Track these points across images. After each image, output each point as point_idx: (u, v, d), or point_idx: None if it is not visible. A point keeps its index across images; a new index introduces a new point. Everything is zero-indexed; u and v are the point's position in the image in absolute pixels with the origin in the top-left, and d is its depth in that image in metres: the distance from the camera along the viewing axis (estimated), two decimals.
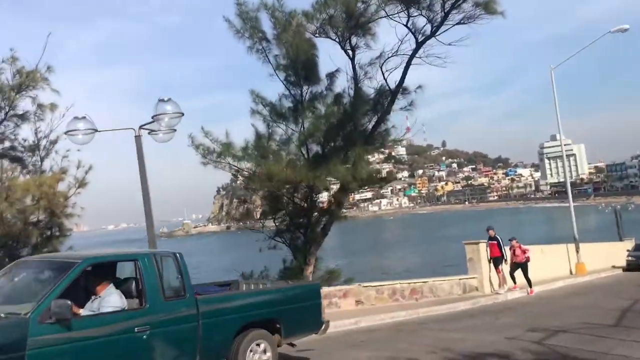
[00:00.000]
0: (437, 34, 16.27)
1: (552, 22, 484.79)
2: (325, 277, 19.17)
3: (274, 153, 17.95)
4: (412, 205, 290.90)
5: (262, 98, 18.51)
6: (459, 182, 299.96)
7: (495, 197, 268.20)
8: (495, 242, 19.85)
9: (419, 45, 16.58)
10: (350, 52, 17.97)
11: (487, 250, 20.01)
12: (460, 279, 20.16)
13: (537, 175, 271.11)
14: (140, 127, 13.45)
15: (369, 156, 17.94)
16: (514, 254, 20.18)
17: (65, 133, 12.84)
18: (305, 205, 18.36)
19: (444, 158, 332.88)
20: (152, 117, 13.23)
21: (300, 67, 18.04)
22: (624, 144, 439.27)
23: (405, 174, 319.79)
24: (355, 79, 18.00)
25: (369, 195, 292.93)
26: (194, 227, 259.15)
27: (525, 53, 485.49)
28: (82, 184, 13.24)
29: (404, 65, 16.93)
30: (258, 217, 19.30)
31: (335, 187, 19.29)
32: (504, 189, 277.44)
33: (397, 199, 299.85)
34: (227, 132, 16.94)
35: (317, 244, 18.07)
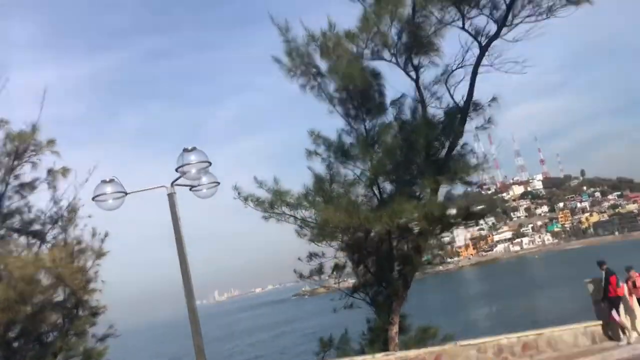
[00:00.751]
0: (503, 33, 13.55)
1: None
2: (417, 336, 16.42)
3: (339, 196, 15.78)
4: (556, 241, 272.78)
5: (323, 138, 16.54)
6: (604, 212, 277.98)
7: None
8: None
9: (483, 49, 13.90)
10: (413, 73, 15.65)
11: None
12: (586, 327, 16.49)
13: None
14: (173, 184, 12.02)
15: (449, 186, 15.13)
16: (634, 286, 16.13)
17: (93, 199, 11.55)
18: (380, 254, 15.90)
19: (584, 188, 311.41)
20: (177, 170, 11.77)
21: (359, 98, 15.98)
22: None
23: (545, 208, 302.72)
24: (422, 101, 15.58)
25: (508, 235, 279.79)
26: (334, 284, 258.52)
27: None
28: (100, 254, 11.81)
29: (470, 76, 14.23)
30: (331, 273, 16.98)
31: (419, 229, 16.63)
32: None
33: (539, 236, 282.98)
34: (275, 179, 15.00)
35: (399, 298, 15.42)
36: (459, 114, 14.63)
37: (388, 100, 16.60)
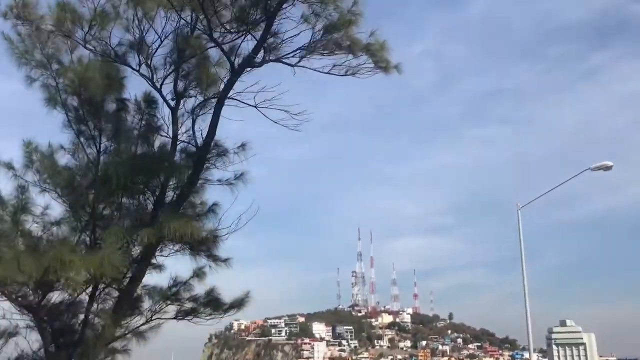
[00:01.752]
0: (269, 60, 10.21)
1: (567, 206, 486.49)
2: None
3: (29, 236, 11.39)
4: None
5: (41, 153, 12.30)
6: (462, 359, 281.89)
7: None
8: None
9: (235, 73, 10.43)
10: (173, 101, 11.98)
11: None
12: None
13: None
14: None
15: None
16: None
17: None
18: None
19: (449, 331, 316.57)
20: None
21: (95, 113, 12.06)
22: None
23: (408, 343, 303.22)
24: (175, 136, 11.83)
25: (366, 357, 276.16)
26: None
27: (541, 234, 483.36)
28: None
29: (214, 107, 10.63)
30: None
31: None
32: None
33: None
34: None
35: None
36: (197, 156, 10.90)
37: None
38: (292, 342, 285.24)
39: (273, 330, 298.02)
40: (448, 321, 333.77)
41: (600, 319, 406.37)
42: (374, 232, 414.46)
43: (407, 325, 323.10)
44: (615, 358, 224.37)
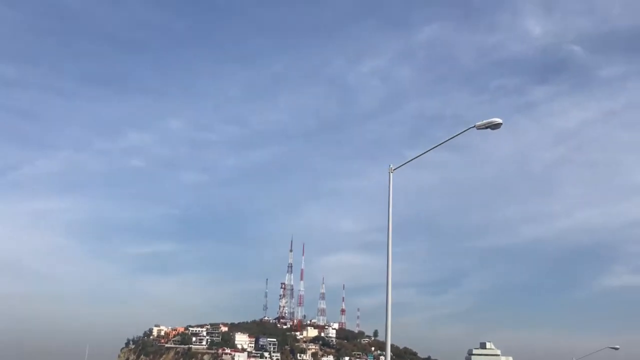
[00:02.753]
0: None
1: (498, 233, 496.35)
2: None
3: None
4: None
5: None
6: None
7: None
8: None
9: None
10: None
11: None
12: None
13: None
14: None
15: None
16: None
17: None
18: None
19: (372, 348, 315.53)
20: None
21: None
22: None
23: (331, 358, 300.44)
24: None
25: None
26: None
27: (472, 257, 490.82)
28: None
29: None
30: None
31: None
32: None
33: None
34: None
35: None
36: None
37: None
38: (212, 351, 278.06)
39: (194, 339, 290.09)
40: (373, 338, 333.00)
41: (519, 343, 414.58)
42: (309, 245, 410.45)
43: (332, 340, 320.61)
44: None
